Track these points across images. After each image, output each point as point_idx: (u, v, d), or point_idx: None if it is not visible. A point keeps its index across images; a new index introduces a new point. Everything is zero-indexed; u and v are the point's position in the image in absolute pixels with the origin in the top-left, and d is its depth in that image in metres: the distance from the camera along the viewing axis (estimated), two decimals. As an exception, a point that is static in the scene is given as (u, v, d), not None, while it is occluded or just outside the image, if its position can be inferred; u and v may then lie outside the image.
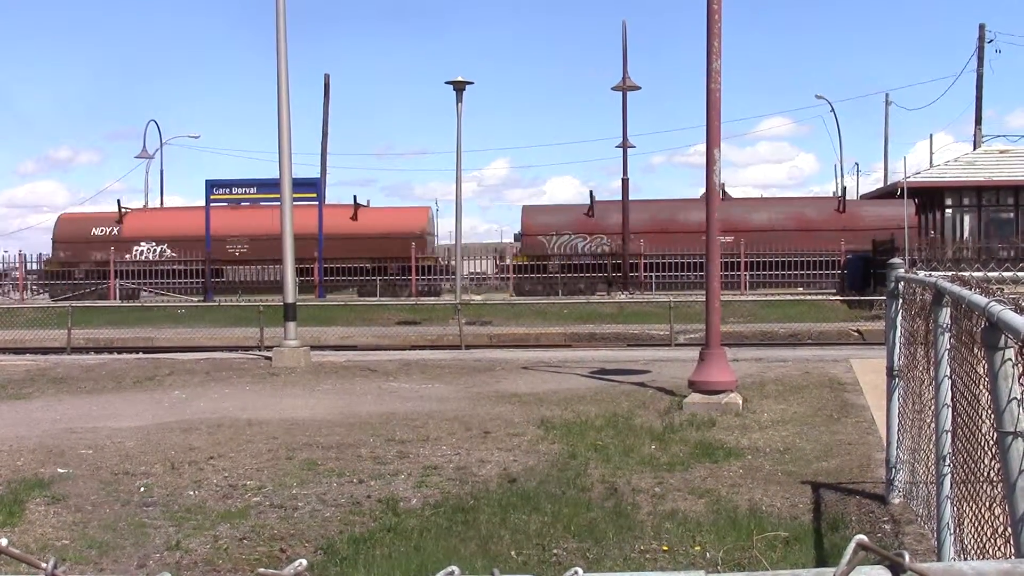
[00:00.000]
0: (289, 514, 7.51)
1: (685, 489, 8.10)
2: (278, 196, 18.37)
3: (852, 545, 1.16)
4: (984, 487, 4.42)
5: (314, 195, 36.55)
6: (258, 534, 7.02)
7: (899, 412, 7.48)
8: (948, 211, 32.95)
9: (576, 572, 1.18)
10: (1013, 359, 3.36)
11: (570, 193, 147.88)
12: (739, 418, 11.28)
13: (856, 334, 23.11)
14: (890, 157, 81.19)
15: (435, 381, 14.94)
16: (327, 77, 46.71)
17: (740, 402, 11.92)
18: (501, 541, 6.74)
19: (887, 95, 55.48)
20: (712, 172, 12.45)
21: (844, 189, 38.95)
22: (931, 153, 44.27)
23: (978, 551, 4.45)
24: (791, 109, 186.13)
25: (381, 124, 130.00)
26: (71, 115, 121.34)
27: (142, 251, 38.75)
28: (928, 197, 33.85)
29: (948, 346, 5.53)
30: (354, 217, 38.16)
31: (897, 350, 7.44)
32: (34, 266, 41.06)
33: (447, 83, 29.56)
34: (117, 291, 37.44)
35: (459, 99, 29.48)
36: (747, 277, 36.53)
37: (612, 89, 35.77)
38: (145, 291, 37.22)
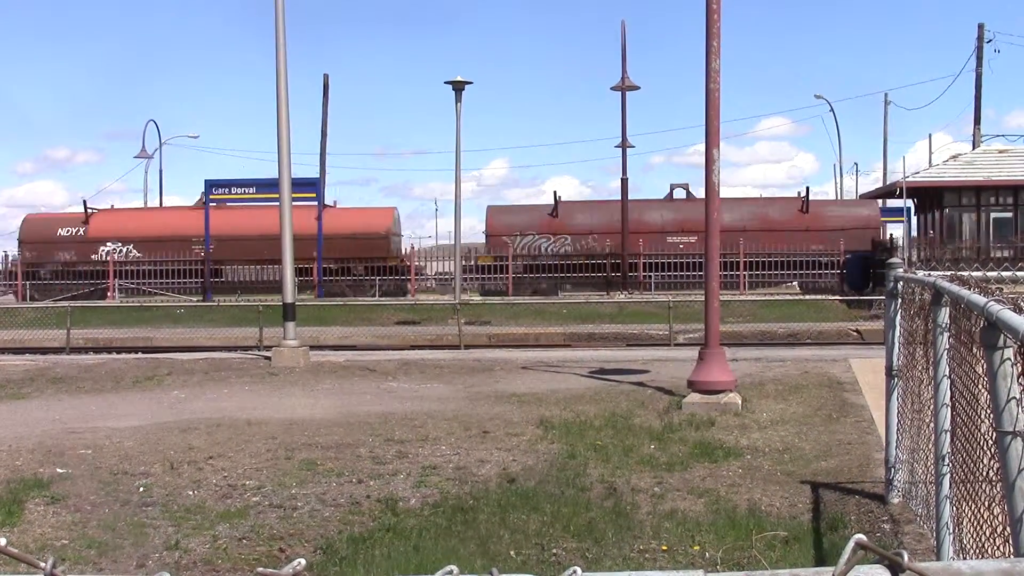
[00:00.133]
0: (288, 514, 7.50)
1: (684, 489, 8.11)
2: (277, 196, 18.37)
3: (851, 544, 1.16)
4: (983, 487, 4.42)
5: (313, 195, 36.58)
6: (257, 534, 7.02)
7: (898, 412, 7.48)
8: (947, 211, 32.92)
9: (575, 572, 1.18)
10: (1012, 359, 3.36)
11: (570, 192, 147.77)
12: (738, 418, 11.28)
13: (855, 334, 23.12)
14: (889, 157, 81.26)
15: (434, 381, 14.94)
16: (326, 77, 46.64)
17: (739, 402, 11.92)
18: (500, 541, 6.74)
19: (886, 95, 55.55)
20: (711, 172, 12.45)
21: (807, 190, 38.95)
22: (930, 153, 44.33)
23: (977, 550, 4.45)
24: (790, 109, 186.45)
25: (380, 124, 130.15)
26: (70, 115, 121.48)
27: (108, 251, 38.75)
28: (927, 197, 33.83)
29: (947, 346, 5.53)
30: (318, 218, 38.13)
31: (896, 350, 7.44)
32: None
33: (446, 83, 29.57)
34: (116, 291, 37.42)
35: (458, 99, 29.48)
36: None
37: (611, 89, 35.78)
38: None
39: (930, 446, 5.96)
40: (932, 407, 5.80)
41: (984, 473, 4.35)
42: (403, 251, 41.35)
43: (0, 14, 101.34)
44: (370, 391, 13.95)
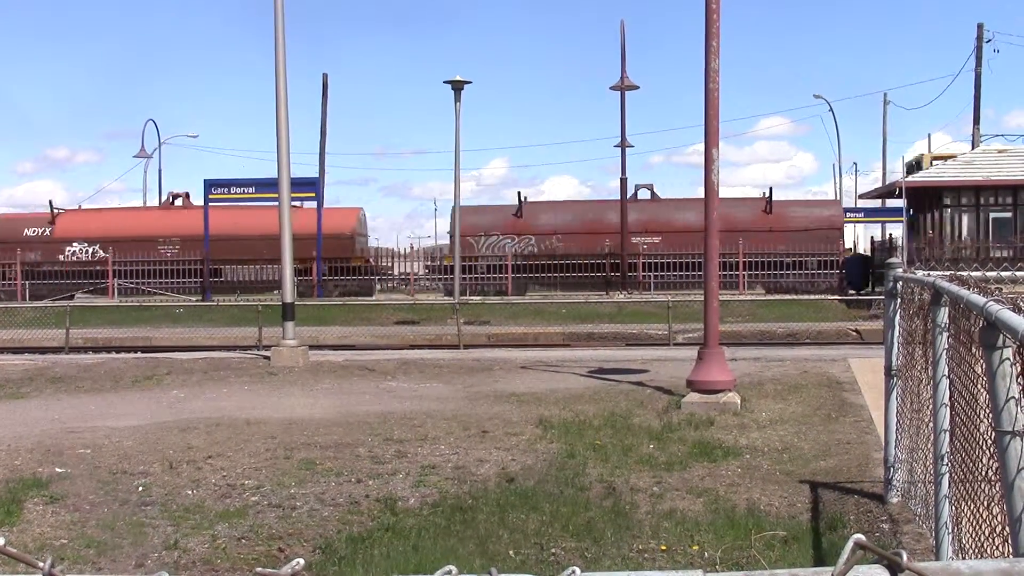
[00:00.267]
0: (287, 513, 7.50)
1: (683, 488, 8.11)
2: (276, 196, 18.37)
3: (850, 544, 1.16)
4: (982, 486, 4.42)
5: (313, 195, 36.60)
6: (256, 533, 7.02)
7: (897, 411, 7.48)
8: (946, 210, 32.93)
9: (574, 572, 1.18)
10: (1011, 358, 3.36)
11: (569, 192, 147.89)
12: (737, 417, 11.28)
13: (854, 333, 23.13)
14: (888, 156, 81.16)
15: (433, 380, 14.94)
16: (325, 77, 46.66)
17: (738, 401, 11.92)
18: (499, 540, 6.74)
19: (885, 95, 55.58)
20: (711, 171, 12.46)
21: (770, 190, 39.00)
22: (929, 152, 44.32)
23: (976, 550, 4.45)
24: (789, 109, 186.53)
25: (380, 124, 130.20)
26: (70, 115, 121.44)
27: (74, 251, 38.76)
28: (926, 196, 33.84)
29: (946, 345, 5.54)
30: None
31: (895, 349, 7.44)
32: None
33: (445, 83, 29.53)
34: (115, 290, 37.43)
35: (457, 99, 29.45)
36: (674, 277, 36.60)
37: (610, 89, 35.78)
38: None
39: (929, 446, 5.96)
40: (931, 407, 5.80)
41: (983, 473, 4.35)
42: (369, 251, 41.37)
43: (0, 14, 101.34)
44: (369, 391, 13.95)
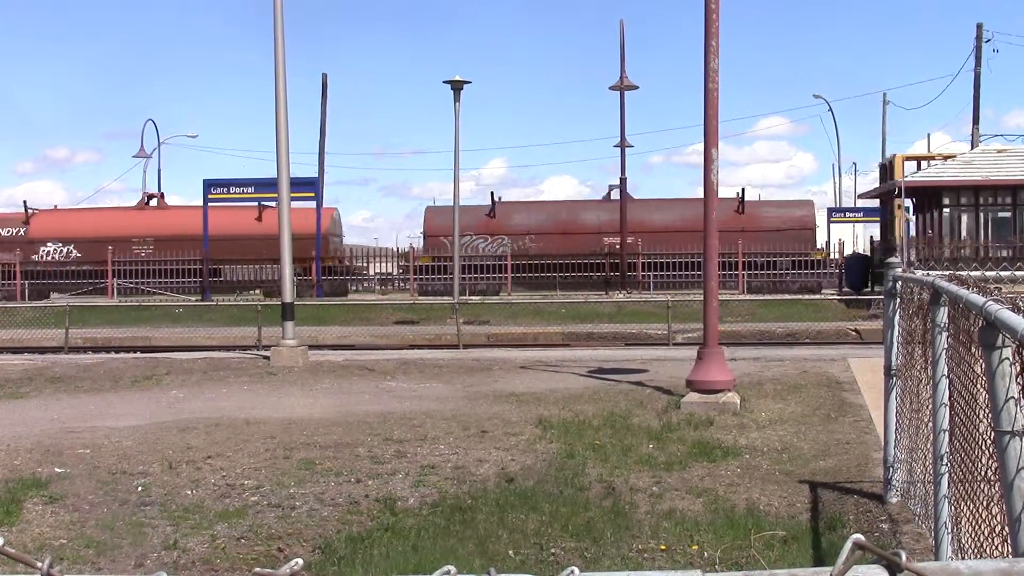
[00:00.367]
0: (287, 513, 7.50)
1: (683, 488, 8.11)
2: (276, 195, 18.37)
3: (849, 544, 1.16)
4: (981, 486, 4.42)
5: (312, 195, 36.58)
6: (256, 533, 7.02)
7: (897, 411, 7.48)
8: (946, 210, 32.94)
9: (572, 572, 1.18)
10: (1010, 358, 3.36)
11: (568, 192, 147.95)
12: (737, 417, 11.28)
13: (854, 333, 23.13)
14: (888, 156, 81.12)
15: (433, 380, 14.94)
16: (325, 77, 46.70)
17: (738, 401, 11.92)
18: (499, 540, 6.73)
19: (885, 94, 55.61)
20: (710, 171, 12.46)
21: (743, 191, 39.04)
22: (928, 152, 44.35)
23: (975, 550, 4.45)
24: (789, 108, 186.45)
25: (379, 123, 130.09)
26: (69, 114, 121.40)
27: (48, 252, 38.79)
28: (926, 196, 33.85)
29: (946, 345, 5.54)
30: (259, 218, 38.22)
31: (895, 349, 7.44)
32: None
33: (445, 83, 29.53)
34: (115, 290, 37.45)
35: (457, 98, 29.45)
36: (651, 277, 36.71)
37: (610, 88, 35.80)
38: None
39: (928, 446, 5.96)
40: (931, 407, 5.81)
41: (982, 473, 4.35)
42: (343, 251, 41.34)
43: (0, 14, 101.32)
44: (369, 390, 13.95)
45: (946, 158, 43.91)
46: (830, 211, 49.33)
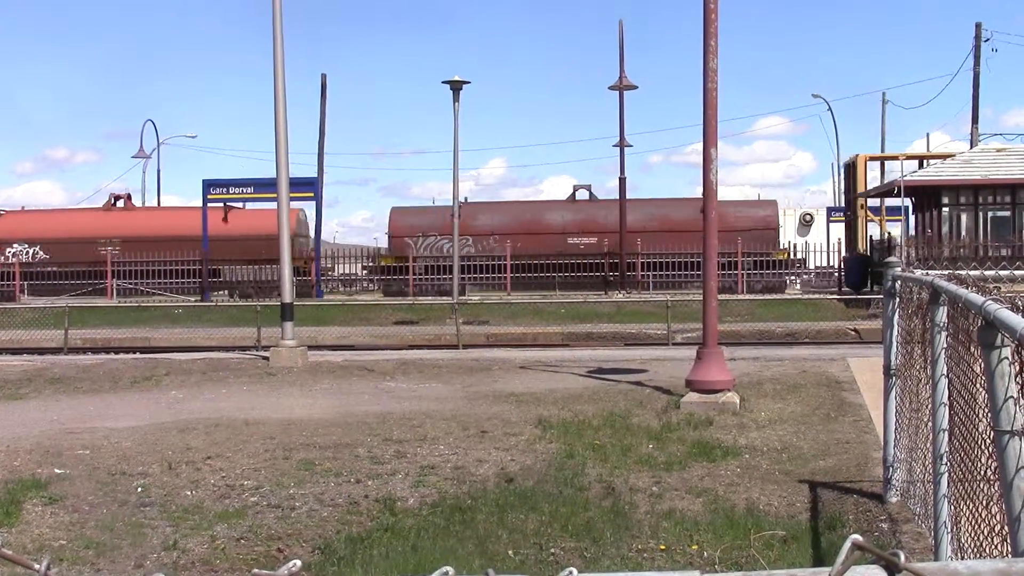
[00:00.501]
0: (286, 514, 7.50)
1: (682, 488, 8.10)
2: (275, 196, 18.36)
3: (847, 545, 1.16)
4: (981, 486, 4.42)
5: (311, 195, 36.60)
6: (255, 534, 7.02)
7: (896, 411, 7.48)
8: (945, 210, 32.92)
9: (571, 573, 1.18)
10: (1009, 358, 3.36)
11: (566, 191, 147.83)
12: (736, 417, 11.28)
13: (853, 333, 23.12)
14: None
15: (432, 381, 14.94)
16: (324, 77, 46.56)
17: (737, 401, 11.92)
18: (498, 541, 6.73)
19: (884, 94, 55.52)
20: (709, 171, 12.46)
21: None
22: (928, 152, 44.35)
23: (975, 550, 4.45)
24: (788, 108, 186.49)
25: (379, 124, 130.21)
26: (69, 115, 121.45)
27: (15, 252, 38.85)
28: (924, 195, 33.83)
29: (945, 345, 5.54)
30: (225, 219, 38.32)
31: (894, 349, 7.44)
32: None
33: (444, 83, 29.52)
34: (114, 291, 37.45)
35: (456, 99, 29.44)
36: (611, 277, 36.82)
37: (609, 88, 35.79)
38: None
39: (928, 445, 5.96)
40: (930, 406, 5.81)
41: (982, 472, 4.35)
42: (310, 252, 41.27)
43: (0, 14, 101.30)
44: (368, 391, 13.94)
45: (910, 158, 44.54)
46: (829, 210, 49.44)
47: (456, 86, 29.30)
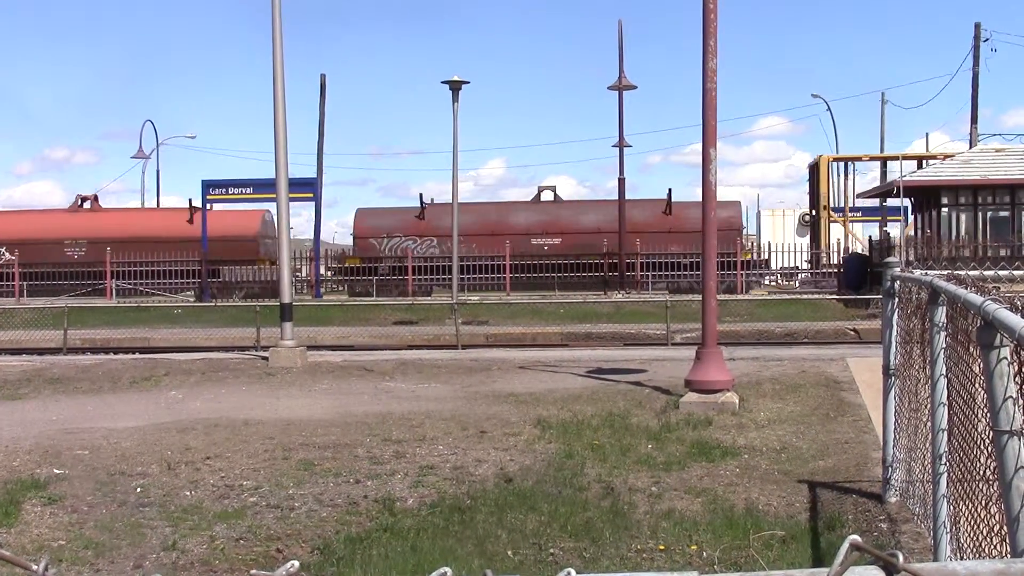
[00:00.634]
0: (286, 514, 7.50)
1: (682, 488, 8.10)
2: (274, 196, 18.36)
3: (845, 545, 1.16)
4: (980, 486, 4.42)
5: (310, 195, 36.59)
6: (255, 534, 7.02)
7: (895, 411, 7.49)
8: (944, 210, 32.91)
9: (569, 573, 1.18)
10: (1008, 358, 3.36)
11: (567, 192, 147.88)
12: (735, 417, 11.28)
13: (852, 333, 23.12)
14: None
15: (431, 381, 14.94)
16: (323, 77, 46.54)
17: (736, 401, 11.92)
18: (498, 541, 6.73)
19: (883, 94, 55.43)
20: (708, 171, 12.46)
21: (670, 192, 39.15)
22: (927, 152, 44.37)
23: (974, 550, 4.45)
24: (788, 108, 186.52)
25: (378, 124, 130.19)
26: (68, 115, 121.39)
27: None
28: (924, 196, 33.83)
29: (944, 345, 5.54)
30: (190, 220, 38.32)
31: (893, 349, 7.44)
32: None
33: (443, 83, 29.51)
34: (113, 291, 37.44)
35: (455, 99, 29.42)
36: (575, 279, 36.94)
37: (608, 88, 35.82)
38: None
39: (927, 445, 5.97)
40: (929, 406, 5.81)
41: (981, 472, 4.35)
42: (276, 254, 41.24)
43: (0, 14, 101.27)
44: (367, 391, 13.94)
45: (873, 159, 44.94)
46: (828, 210, 49.44)
47: (455, 86, 29.29)
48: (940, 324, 5.59)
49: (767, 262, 40.57)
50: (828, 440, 9.96)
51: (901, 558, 1.17)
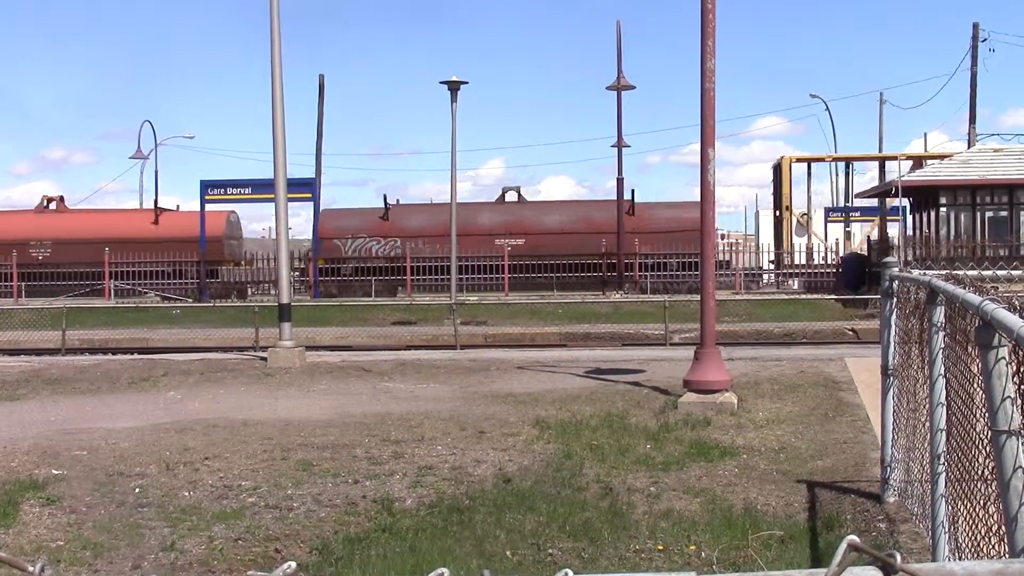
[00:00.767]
0: (284, 515, 7.50)
1: (680, 488, 8.11)
2: (272, 196, 18.36)
3: (843, 546, 1.16)
4: (978, 486, 4.42)
5: (309, 195, 36.61)
6: (253, 535, 7.01)
7: (894, 411, 7.49)
8: (942, 210, 32.92)
9: (567, 574, 1.18)
10: (1007, 358, 3.36)
11: (566, 192, 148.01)
12: (734, 417, 11.28)
13: (851, 333, 23.12)
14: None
15: (430, 381, 14.93)
16: (322, 77, 46.59)
17: (735, 401, 11.92)
18: (496, 541, 6.73)
19: (881, 94, 55.43)
20: (707, 171, 12.46)
21: (633, 192, 39.16)
22: (925, 151, 44.39)
23: (972, 550, 4.45)
24: (786, 108, 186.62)
25: (377, 124, 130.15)
26: (67, 115, 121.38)
27: None
28: (922, 195, 33.84)
29: (942, 345, 5.54)
30: (155, 222, 38.29)
31: (892, 349, 7.44)
32: None
33: (442, 83, 29.50)
34: (112, 292, 37.43)
35: (454, 99, 29.41)
36: (546, 279, 37.02)
37: (607, 88, 35.85)
38: None
39: (926, 445, 5.97)
40: (928, 406, 5.81)
41: (979, 472, 4.35)
42: (242, 254, 41.17)
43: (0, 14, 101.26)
44: (366, 391, 13.94)
45: (837, 160, 45.20)
46: (827, 210, 49.51)
47: (454, 86, 29.28)
48: (938, 324, 5.59)
49: (728, 263, 40.23)
50: (827, 440, 9.96)
51: (899, 558, 1.17)
